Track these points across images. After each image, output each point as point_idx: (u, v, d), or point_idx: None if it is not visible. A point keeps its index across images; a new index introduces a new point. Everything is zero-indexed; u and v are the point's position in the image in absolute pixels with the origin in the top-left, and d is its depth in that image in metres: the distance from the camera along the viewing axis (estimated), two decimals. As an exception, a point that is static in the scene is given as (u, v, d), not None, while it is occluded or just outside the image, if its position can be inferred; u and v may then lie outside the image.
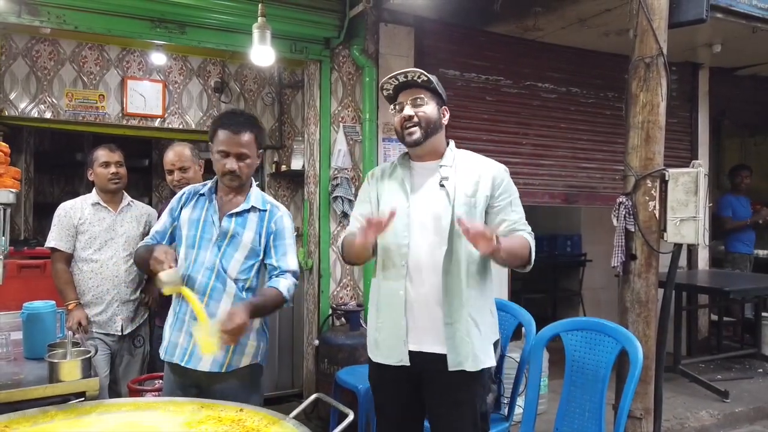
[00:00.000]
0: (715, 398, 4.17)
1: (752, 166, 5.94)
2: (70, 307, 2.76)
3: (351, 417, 1.68)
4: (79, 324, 2.71)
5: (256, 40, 3.32)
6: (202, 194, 2.13)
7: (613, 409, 2.66)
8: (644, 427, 2.90)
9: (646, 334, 2.88)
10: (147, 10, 3.43)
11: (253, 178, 2.18)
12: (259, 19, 3.32)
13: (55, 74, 4.22)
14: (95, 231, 2.85)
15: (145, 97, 4.48)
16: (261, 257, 2.09)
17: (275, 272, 2.06)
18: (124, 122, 4.44)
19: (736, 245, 5.68)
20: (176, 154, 2.93)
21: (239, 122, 2.05)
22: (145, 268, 2.06)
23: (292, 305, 2.22)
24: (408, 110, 1.96)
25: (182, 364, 2.02)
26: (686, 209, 2.81)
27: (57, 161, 6.11)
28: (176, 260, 1.95)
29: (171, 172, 2.93)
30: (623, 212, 2.91)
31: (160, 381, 2.63)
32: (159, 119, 4.55)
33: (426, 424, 2.10)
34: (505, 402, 2.69)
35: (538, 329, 2.57)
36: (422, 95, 1.97)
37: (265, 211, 2.11)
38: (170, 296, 2.15)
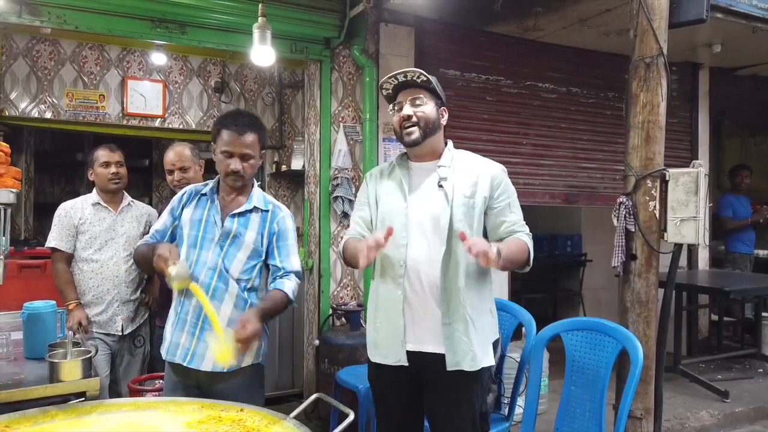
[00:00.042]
0: (715, 398, 4.17)
1: (752, 166, 5.93)
2: (70, 307, 2.76)
3: (351, 417, 1.67)
4: (80, 324, 2.71)
5: (257, 40, 3.32)
6: (204, 194, 2.13)
7: (614, 409, 2.66)
8: (644, 427, 2.90)
9: (647, 334, 2.88)
10: (147, 10, 3.43)
11: (254, 179, 2.18)
12: (260, 19, 3.32)
13: (55, 74, 4.22)
14: (96, 231, 2.85)
15: (145, 97, 4.48)
16: (263, 257, 2.09)
17: (279, 273, 2.07)
18: (125, 122, 4.45)
19: (736, 245, 5.67)
20: (176, 154, 2.93)
21: (243, 123, 2.06)
22: (145, 266, 2.06)
23: (296, 305, 2.23)
24: (407, 110, 1.97)
25: (184, 364, 2.02)
26: (686, 209, 2.81)
27: (57, 161, 6.12)
28: (179, 258, 1.96)
29: (171, 172, 2.93)
30: (623, 212, 2.91)
31: (161, 381, 2.64)
32: (159, 119, 4.55)
33: (426, 423, 2.10)
34: (506, 402, 2.70)
35: (538, 329, 2.57)
36: (421, 95, 1.97)
37: (267, 211, 2.12)
38: (170, 296, 2.15)
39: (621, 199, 2.93)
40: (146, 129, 4.58)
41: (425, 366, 1.95)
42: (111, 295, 2.83)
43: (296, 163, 4.58)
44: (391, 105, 2.05)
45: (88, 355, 2.05)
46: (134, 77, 4.46)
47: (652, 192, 2.87)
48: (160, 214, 2.59)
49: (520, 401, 2.61)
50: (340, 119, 4.13)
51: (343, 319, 3.93)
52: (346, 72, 4.16)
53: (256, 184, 2.18)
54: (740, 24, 3.68)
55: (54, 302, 2.38)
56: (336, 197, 4.01)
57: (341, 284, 4.14)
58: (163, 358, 2.10)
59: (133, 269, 2.88)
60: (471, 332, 1.91)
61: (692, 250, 5.50)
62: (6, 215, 2.23)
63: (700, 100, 5.60)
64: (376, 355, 2.03)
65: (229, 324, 1.92)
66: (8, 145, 2.28)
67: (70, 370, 1.96)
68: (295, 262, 2.10)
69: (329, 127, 4.09)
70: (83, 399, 1.89)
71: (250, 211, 2.09)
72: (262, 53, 3.38)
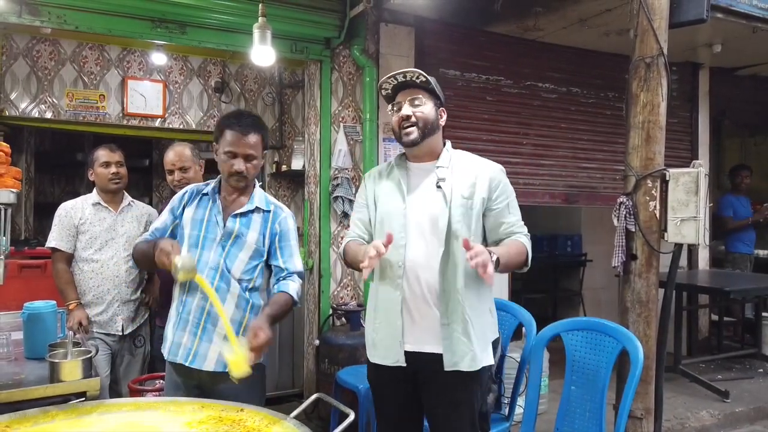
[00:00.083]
0: (715, 398, 4.17)
1: (752, 166, 5.94)
2: (70, 307, 2.76)
3: (352, 417, 1.67)
4: (80, 324, 2.71)
5: (257, 40, 3.32)
6: (206, 194, 2.13)
7: (614, 409, 2.66)
8: (645, 427, 2.90)
9: (647, 334, 2.88)
10: (147, 10, 3.43)
11: (256, 179, 2.18)
12: (260, 19, 3.32)
13: (55, 74, 4.23)
14: (96, 231, 2.85)
15: (145, 97, 4.48)
16: (264, 258, 2.09)
17: (282, 274, 2.08)
18: (125, 122, 4.45)
19: (736, 245, 5.68)
20: (177, 154, 2.93)
21: (247, 123, 2.06)
22: (145, 262, 2.06)
23: (299, 305, 2.23)
24: (406, 110, 1.97)
25: (186, 364, 2.02)
26: (687, 209, 2.81)
27: (57, 161, 6.12)
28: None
29: (171, 172, 2.93)
30: (624, 212, 2.91)
31: (161, 381, 2.63)
32: (159, 119, 4.55)
33: (426, 423, 2.10)
34: (506, 402, 2.69)
35: (538, 329, 2.57)
36: (420, 95, 1.98)
37: (269, 212, 2.12)
38: (171, 296, 2.15)
39: (621, 199, 2.93)
40: (146, 129, 4.58)
41: (422, 366, 1.96)
42: (111, 295, 2.83)
43: (296, 163, 4.58)
44: (390, 105, 2.05)
45: (89, 355, 2.05)
46: (134, 77, 4.46)
47: (653, 192, 2.87)
48: (160, 213, 2.59)
49: (521, 401, 2.61)
50: (341, 119, 4.13)
51: (343, 319, 3.93)
52: (346, 72, 4.16)
53: (257, 184, 2.19)
54: (740, 24, 3.68)
55: (54, 302, 2.39)
56: (336, 197, 4.01)
57: (341, 284, 4.14)
58: (165, 358, 2.10)
59: (134, 269, 2.88)
60: (470, 332, 1.91)
61: (692, 250, 5.50)
62: (6, 215, 2.23)
63: (700, 100, 5.60)
64: (374, 356, 2.04)
65: (231, 324, 1.92)
66: (8, 145, 2.29)
67: (71, 370, 1.96)
68: (297, 263, 2.11)
69: (329, 127, 4.09)
70: (83, 399, 1.89)
71: (252, 211, 2.09)
72: (263, 53, 3.38)
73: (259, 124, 2.11)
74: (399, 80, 1.98)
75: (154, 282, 3.05)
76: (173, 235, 2.13)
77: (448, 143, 2.07)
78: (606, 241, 3.79)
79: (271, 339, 1.86)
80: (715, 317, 5.51)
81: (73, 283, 2.82)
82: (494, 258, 1.73)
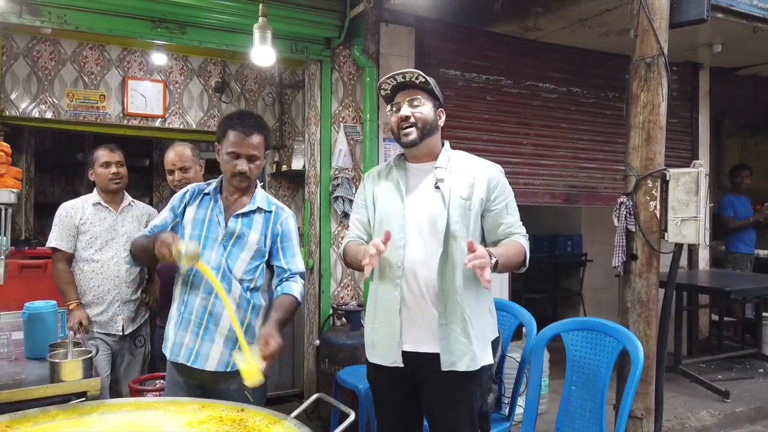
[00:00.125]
0: (715, 398, 4.17)
1: (752, 166, 5.94)
2: (71, 307, 2.77)
3: (352, 417, 1.67)
4: (80, 324, 2.72)
5: (257, 40, 3.32)
6: (207, 194, 2.13)
7: (614, 409, 2.66)
8: (645, 427, 2.90)
9: (647, 334, 2.88)
10: (148, 10, 3.43)
11: (257, 179, 2.19)
12: (260, 19, 3.32)
13: (55, 74, 4.22)
14: (96, 231, 2.85)
15: (145, 97, 4.48)
16: (266, 258, 2.10)
17: (285, 275, 2.08)
18: (125, 122, 4.45)
19: (736, 245, 5.68)
20: (177, 154, 2.92)
21: (250, 124, 2.06)
22: (144, 257, 2.06)
23: (302, 305, 2.23)
24: (405, 110, 1.97)
25: (188, 364, 2.02)
26: (687, 209, 2.81)
27: (58, 161, 6.12)
28: None
29: (172, 172, 2.93)
30: (624, 212, 2.91)
31: (161, 381, 2.63)
32: (160, 119, 4.55)
33: (425, 423, 2.10)
34: (506, 402, 2.69)
35: (538, 329, 2.57)
36: (419, 96, 1.98)
37: (271, 212, 2.12)
38: (171, 296, 2.15)
39: (621, 199, 2.93)
40: (146, 129, 4.57)
41: (421, 366, 1.96)
42: (112, 295, 2.83)
43: (297, 163, 4.58)
44: (389, 105, 2.06)
45: (89, 355, 2.05)
46: (135, 77, 4.46)
47: (653, 192, 2.87)
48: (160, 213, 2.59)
49: (521, 401, 2.61)
50: (341, 119, 4.13)
51: (343, 319, 3.93)
52: (346, 72, 4.16)
53: (258, 184, 2.19)
54: (741, 24, 3.68)
55: (55, 302, 2.39)
56: (336, 197, 4.01)
57: (341, 284, 4.14)
58: (167, 358, 2.10)
59: (134, 269, 2.88)
60: (469, 332, 1.91)
61: (693, 250, 5.50)
62: (6, 215, 2.23)
63: (700, 100, 5.60)
64: (374, 356, 2.04)
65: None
66: (9, 145, 2.29)
67: (71, 370, 1.96)
68: (299, 263, 2.12)
69: (329, 127, 4.09)
70: (84, 399, 1.89)
71: (254, 211, 2.09)
72: (263, 53, 3.38)
73: (261, 124, 2.11)
74: (398, 81, 1.98)
75: (155, 282, 3.05)
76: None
77: (447, 144, 2.08)
78: (606, 241, 3.79)
79: (282, 346, 1.85)
80: (715, 317, 5.51)
81: (74, 283, 2.82)
82: (493, 261, 1.73)
